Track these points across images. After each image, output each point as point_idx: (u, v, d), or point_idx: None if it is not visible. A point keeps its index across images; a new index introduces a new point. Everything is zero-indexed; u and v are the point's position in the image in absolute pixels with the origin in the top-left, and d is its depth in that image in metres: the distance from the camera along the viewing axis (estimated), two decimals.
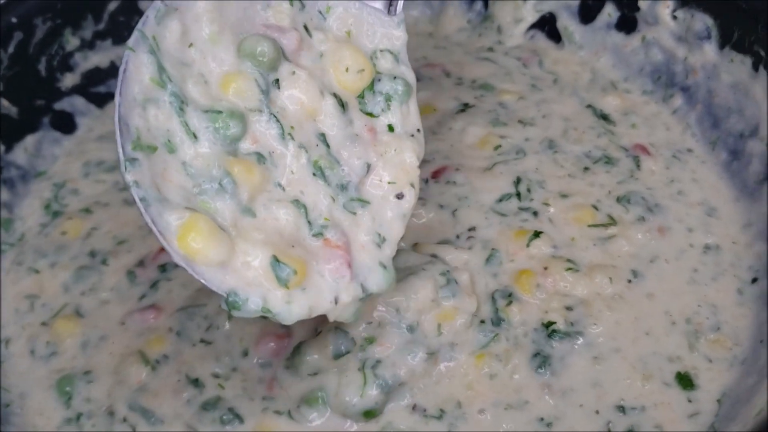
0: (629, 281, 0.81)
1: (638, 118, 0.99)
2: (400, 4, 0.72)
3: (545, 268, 0.81)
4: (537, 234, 0.83)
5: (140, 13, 0.80)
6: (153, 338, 0.80)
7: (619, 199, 0.88)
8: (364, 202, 0.69)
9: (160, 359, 0.79)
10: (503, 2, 1.12)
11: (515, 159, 0.92)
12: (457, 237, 0.84)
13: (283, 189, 0.67)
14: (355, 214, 0.69)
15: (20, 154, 1.00)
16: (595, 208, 0.87)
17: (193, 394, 0.76)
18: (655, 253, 0.84)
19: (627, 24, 1.05)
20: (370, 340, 0.74)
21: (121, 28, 1.07)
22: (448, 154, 0.93)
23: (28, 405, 0.79)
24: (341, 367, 0.74)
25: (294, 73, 0.68)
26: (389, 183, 0.70)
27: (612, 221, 0.86)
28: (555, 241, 0.83)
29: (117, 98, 0.62)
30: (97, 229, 0.92)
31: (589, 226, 0.85)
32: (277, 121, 0.67)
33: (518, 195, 0.88)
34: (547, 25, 1.11)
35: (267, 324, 0.78)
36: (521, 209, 0.86)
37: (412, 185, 0.70)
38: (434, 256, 0.81)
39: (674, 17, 0.98)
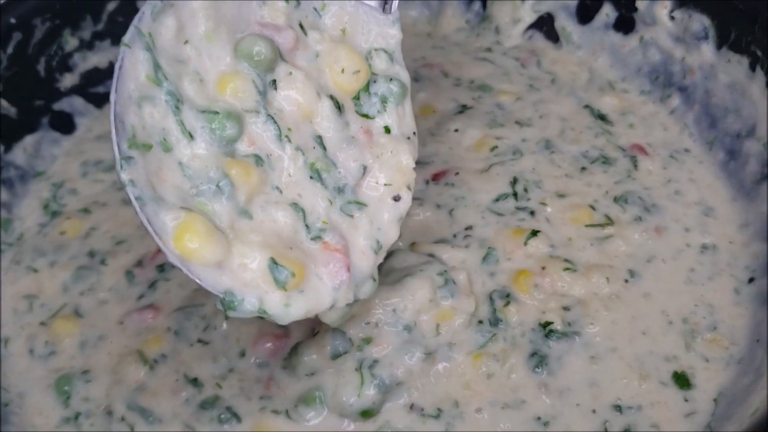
0: (626, 281, 0.81)
1: (636, 118, 0.99)
2: (395, 2, 0.72)
3: (543, 268, 0.81)
4: (534, 233, 0.83)
5: None
6: (151, 338, 0.81)
7: (616, 199, 0.88)
8: (360, 205, 0.69)
9: (158, 359, 0.79)
10: (501, 2, 1.12)
11: (512, 160, 0.92)
12: (454, 236, 0.84)
13: (281, 192, 0.66)
14: (352, 216, 0.69)
15: (19, 154, 1.00)
16: (592, 208, 0.87)
17: (191, 394, 0.77)
18: (652, 252, 0.84)
19: (625, 24, 1.05)
20: (368, 341, 0.74)
21: (119, 29, 1.07)
22: (447, 156, 0.93)
23: (26, 404, 0.79)
24: (338, 367, 0.74)
25: (291, 73, 0.67)
26: (385, 185, 0.70)
27: (609, 221, 0.86)
28: (552, 241, 0.83)
29: (113, 95, 0.61)
30: (95, 229, 0.92)
31: (587, 226, 0.85)
32: (275, 122, 0.66)
33: (515, 195, 0.88)
34: (545, 25, 1.11)
35: (264, 324, 0.78)
36: (518, 209, 0.86)
37: (409, 187, 0.70)
38: (431, 255, 0.81)
39: (672, 17, 0.98)
